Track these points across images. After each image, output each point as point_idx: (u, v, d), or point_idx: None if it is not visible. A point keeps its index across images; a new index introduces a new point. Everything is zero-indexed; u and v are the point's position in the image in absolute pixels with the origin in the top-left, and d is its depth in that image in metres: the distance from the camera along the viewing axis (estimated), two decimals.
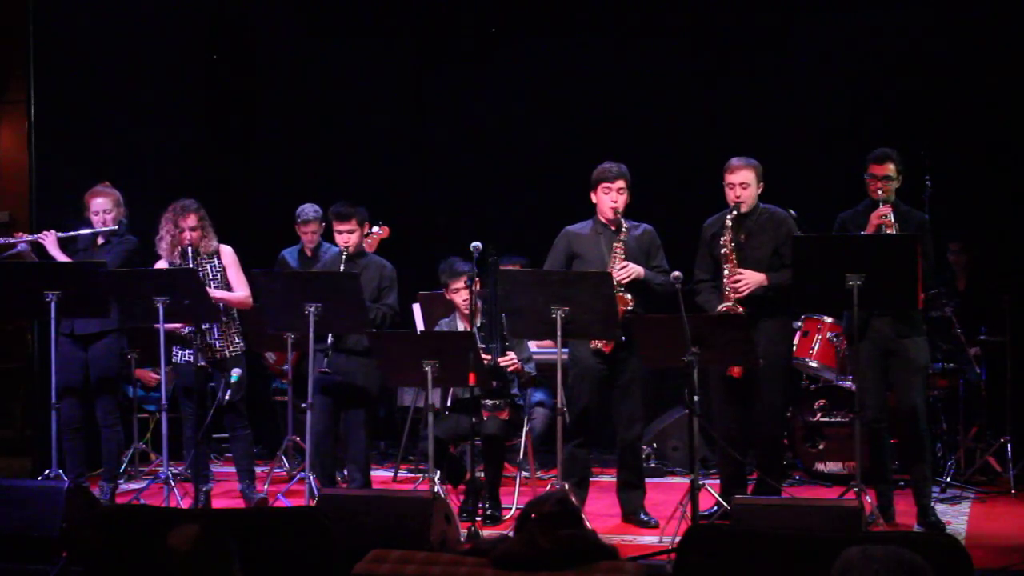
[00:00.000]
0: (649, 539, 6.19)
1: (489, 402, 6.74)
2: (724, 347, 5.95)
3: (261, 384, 8.82)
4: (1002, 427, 7.58)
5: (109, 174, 7.32)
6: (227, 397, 6.64)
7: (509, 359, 6.79)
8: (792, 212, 6.69)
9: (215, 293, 6.81)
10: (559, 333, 6.03)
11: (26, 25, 8.35)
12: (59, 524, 5.53)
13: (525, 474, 7.23)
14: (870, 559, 2.80)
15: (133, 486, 7.59)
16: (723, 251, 6.45)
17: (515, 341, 6.90)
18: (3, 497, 5.69)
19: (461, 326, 7.03)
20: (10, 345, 8.80)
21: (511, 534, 3.64)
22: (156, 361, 6.80)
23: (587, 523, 4.62)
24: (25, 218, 8.43)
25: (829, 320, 7.76)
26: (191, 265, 6.81)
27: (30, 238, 7.14)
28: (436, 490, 6.23)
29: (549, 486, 7.00)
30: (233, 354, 6.91)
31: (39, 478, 6.96)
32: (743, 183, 6.44)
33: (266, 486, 7.59)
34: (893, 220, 6.25)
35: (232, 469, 7.56)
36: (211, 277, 6.91)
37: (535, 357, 7.19)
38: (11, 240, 7.20)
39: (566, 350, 6.56)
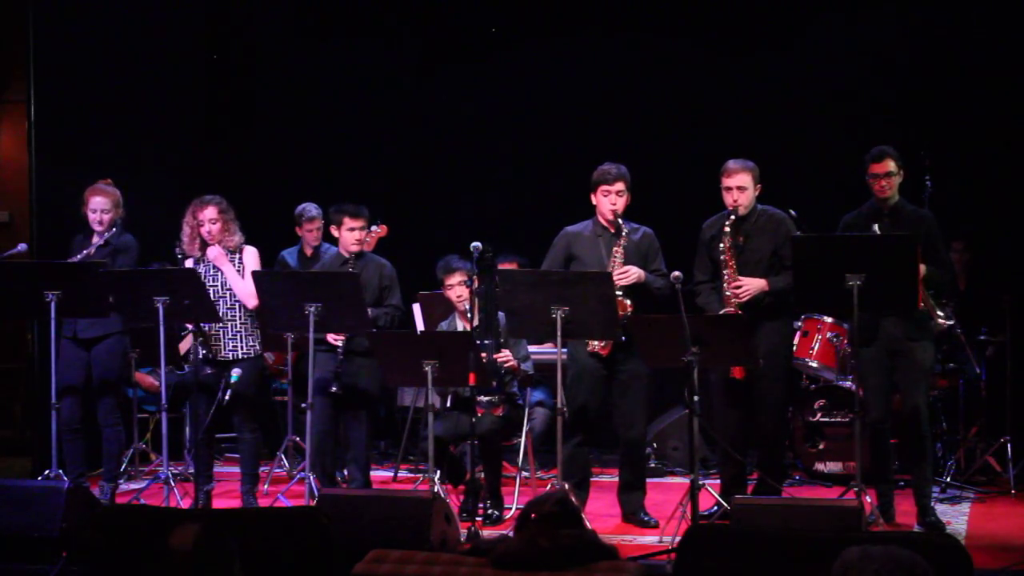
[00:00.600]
0: (649, 539, 6.19)
1: (484, 398, 6.73)
2: (724, 347, 5.95)
3: (262, 382, 8.81)
4: (1002, 427, 7.58)
5: (109, 174, 7.31)
6: (226, 397, 6.63)
7: (504, 356, 6.78)
8: (792, 212, 6.68)
9: (236, 283, 6.77)
10: (559, 333, 6.03)
11: (26, 25, 8.35)
12: (59, 524, 5.53)
13: (525, 474, 7.23)
14: (870, 559, 2.80)
15: (133, 486, 7.58)
16: (722, 256, 6.44)
17: (511, 340, 6.89)
18: (3, 497, 5.69)
19: (460, 325, 7.03)
20: (10, 345, 8.81)
21: (511, 534, 3.64)
22: (156, 361, 6.79)
23: (587, 523, 4.62)
24: (25, 218, 8.44)
25: (829, 320, 7.76)
26: (209, 259, 6.81)
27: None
28: (436, 490, 6.23)
29: (549, 486, 7.00)
30: (245, 356, 6.87)
31: (39, 478, 6.96)
32: (740, 186, 6.43)
33: (266, 486, 7.60)
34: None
35: (232, 469, 7.57)
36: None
37: (534, 357, 7.18)
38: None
39: (566, 350, 6.56)
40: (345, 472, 7.23)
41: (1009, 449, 7.49)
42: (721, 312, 6.37)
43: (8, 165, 8.81)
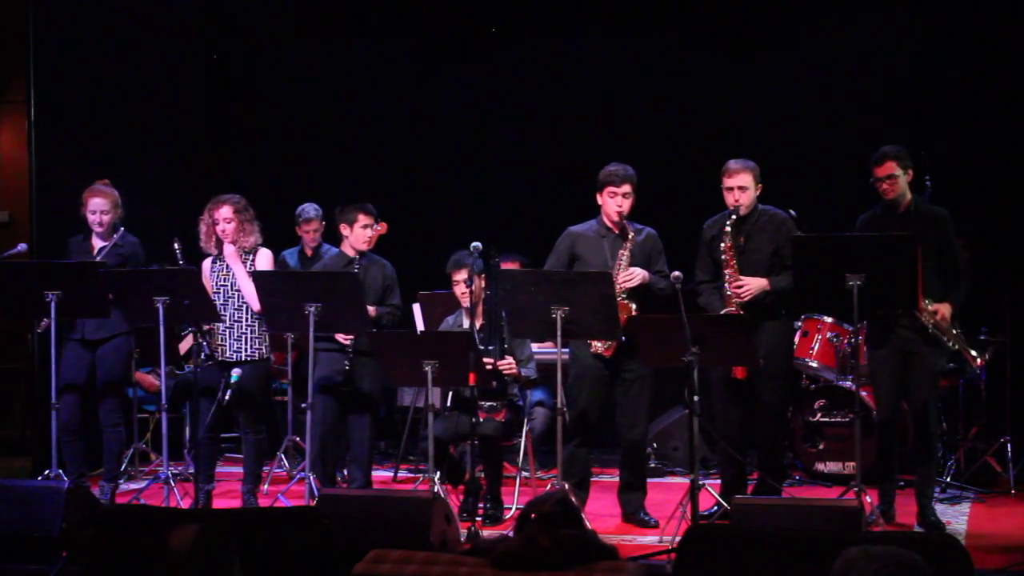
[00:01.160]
0: (649, 539, 6.19)
1: (486, 404, 6.74)
2: (724, 348, 5.96)
3: (268, 384, 8.81)
4: (1002, 427, 7.58)
5: (109, 174, 7.31)
6: (226, 398, 6.63)
7: (507, 363, 6.78)
8: (792, 212, 6.68)
9: (244, 284, 6.76)
10: (559, 333, 6.03)
11: (26, 25, 8.35)
12: (59, 524, 5.53)
13: (525, 474, 7.23)
14: (870, 559, 2.80)
15: (133, 486, 7.58)
16: (723, 256, 6.44)
17: (515, 341, 6.89)
18: (3, 497, 5.69)
19: (467, 322, 7.02)
20: (10, 345, 8.81)
21: (511, 534, 3.63)
22: (156, 361, 6.79)
23: (587, 523, 4.62)
24: (25, 218, 8.44)
25: (829, 320, 7.76)
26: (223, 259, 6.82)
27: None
28: (436, 490, 6.24)
29: (549, 486, 7.00)
30: (249, 358, 6.85)
31: (39, 478, 6.96)
32: (741, 186, 6.43)
33: (266, 486, 7.60)
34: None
35: (232, 469, 7.57)
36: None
37: (537, 357, 7.18)
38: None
39: (566, 350, 6.56)
40: (345, 472, 7.23)
41: (1009, 449, 7.49)
42: (722, 312, 6.37)
43: (8, 165, 8.81)
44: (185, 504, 6.71)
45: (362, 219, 6.89)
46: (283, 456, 8.12)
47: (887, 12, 8.92)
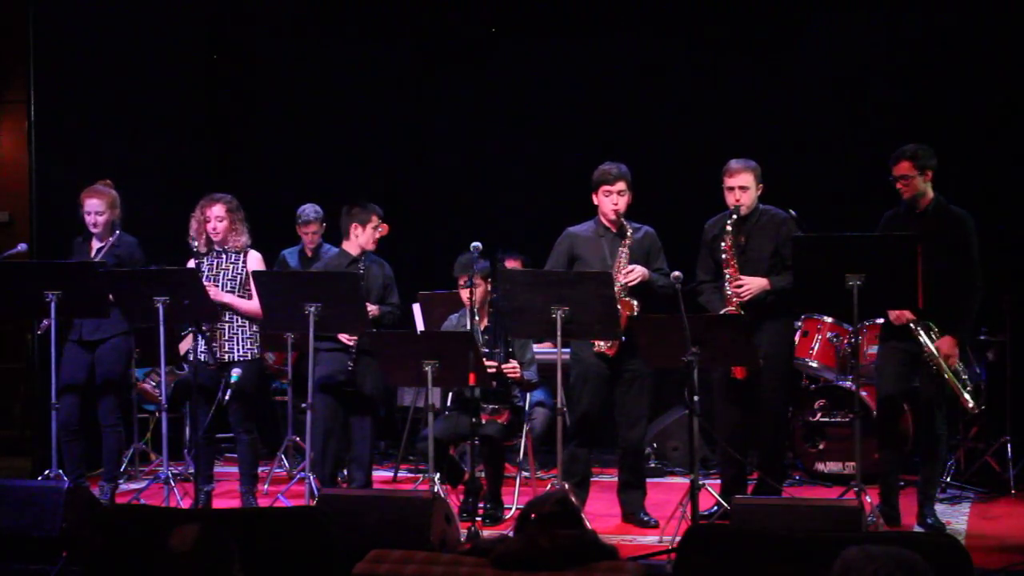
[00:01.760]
0: (649, 539, 6.19)
1: (488, 406, 6.75)
2: (724, 347, 5.96)
3: (261, 384, 8.81)
4: (1002, 427, 7.58)
5: (109, 174, 7.31)
6: (226, 398, 6.63)
7: (511, 367, 6.78)
8: (792, 212, 6.68)
9: (224, 296, 6.78)
10: (559, 333, 6.03)
11: (26, 25, 8.35)
12: (59, 524, 5.52)
13: (525, 474, 7.23)
14: (870, 559, 2.80)
15: (133, 486, 7.58)
16: (724, 256, 6.44)
17: (518, 343, 6.89)
18: (3, 497, 5.69)
19: (469, 322, 7.01)
20: (10, 345, 8.80)
21: (511, 534, 3.64)
22: (155, 361, 6.79)
23: (587, 523, 4.62)
24: (25, 218, 8.44)
25: (829, 320, 7.76)
26: (213, 256, 6.82)
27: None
28: (436, 490, 6.23)
29: (549, 486, 7.00)
30: (241, 358, 6.86)
31: (39, 478, 6.96)
32: (742, 186, 6.43)
33: (266, 486, 7.60)
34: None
35: (232, 469, 7.56)
36: (230, 276, 6.86)
37: (537, 357, 7.18)
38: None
39: (567, 350, 6.56)
40: (345, 472, 7.23)
41: (1009, 449, 7.49)
42: (723, 311, 6.37)
43: (8, 165, 8.80)
44: (185, 504, 6.70)
45: (375, 220, 6.92)
46: (283, 456, 8.12)
47: (887, 12, 8.91)
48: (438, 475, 6.59)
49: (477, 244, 6.45)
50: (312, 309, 6.39)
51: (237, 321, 6.85)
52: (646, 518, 6.54)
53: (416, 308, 8.25)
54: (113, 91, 8.86)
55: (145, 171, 8.85)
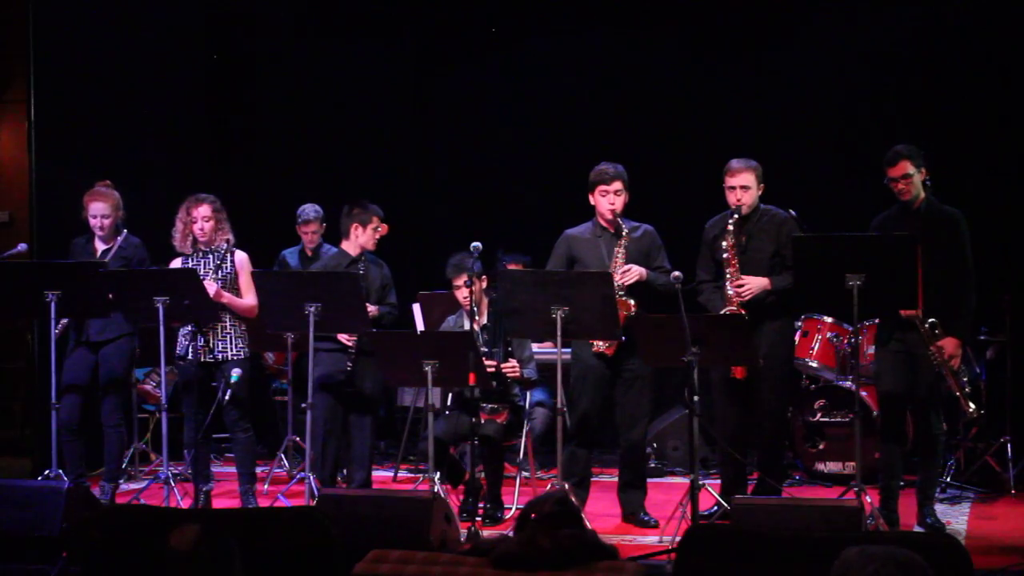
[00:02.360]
0: (649, 539, 6.19)
1: (487, 406, 6.75)
2: (724, 347, 5.95)
3: (261, 384, 8.82)
4: (1002, 427, 7.58)
5: (109, 174, 7.31)
6: (227, 397, 6.63)
7: (511, 366, 6.78)
8: (792, 212, 6.68)
9: (225, 296, 6.78)
10: (559, 333, 6.03)
11: (26, 25, 8.35)
12: (59, 524, 5.53)
13: (525, 474, 7.23)
14: (869, 559, 2.80)
15: (133, 486, 7.59)
16: (724, 256, 6.44)
17: (516, 341, 6.89)
18: (3, 497, 5.69)
19: (467, 323, 7.01)
20: (10, 345, 8.80)
21: (511, 534, 3.63)
22: (155, 361, 6.79)
23: (587, 523, 4.62)
24: (25, 218, 8.44)
25: (829, 320, 7.76)
26: (199, 256, 6.83)
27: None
28: (436, 490, 6.23)
29: (549, 486, 7.00)
30: (234, 357, 6.87)
31: (39, 478, 6.96)
32: (743, 185, 6.43)
33: (266, 486, 7.60)
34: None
35: (231, 469, 7.56)
36: (219, 277, 6.88)
37: (537, 357, 7.18)
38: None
39: (567, 350, 6.56)
40: (344, 471, 7.23)
41: (1009, 449, 7.49)
42: (724, 311, 6.37)
43: (8, 165, 8.79)
44: (185, 504, 6.71)
45: (376, 221, 6.92)
46: (283, 456, 8.13)
47: (887, 12, 8.91)
48: (438, 475, 6.59)
49: (477, 244, 6.45)
50: (312, 309, 6.40)
51: (229, 320, 6.86)
52: (646, 518, 6.54)
53: (416, 308, 8.25)
54: (113, 91, 8.86)
55: (145, 171, 8.85)
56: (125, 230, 7.14)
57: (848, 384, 7.65)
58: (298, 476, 7.04)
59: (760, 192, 6.52)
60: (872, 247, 5.96)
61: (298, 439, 7.89)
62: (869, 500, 6.00)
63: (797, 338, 7.60)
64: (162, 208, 7.76)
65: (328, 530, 4.31)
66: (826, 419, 7.76)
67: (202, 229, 6.86)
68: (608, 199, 6.51)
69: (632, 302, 6.42)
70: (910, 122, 8.51)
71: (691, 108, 9.25)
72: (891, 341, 6.33)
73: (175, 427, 7.13)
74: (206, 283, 6.69)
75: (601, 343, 6.49)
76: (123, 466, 7.66)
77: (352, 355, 6.80)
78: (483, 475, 6.67)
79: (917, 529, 6.23)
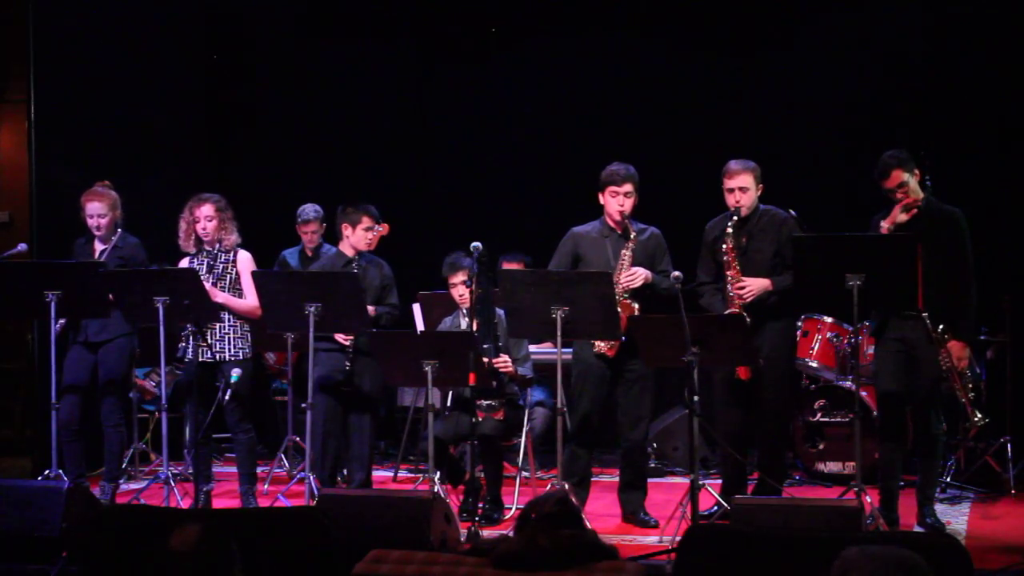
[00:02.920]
0: (649, 539, 6.20)
1: (484, 403, 6.74)
2: (724, 348, 5.95)
3: (261, 384, 8.82)
4: (1002, 427, 7.58)
5: (109, 175, 7.31)
6: (227, 397, 6.63)
7: (503, 361, 6.78)
8: (792, 212, 6.68)
9: (220, 296, 6.79)
10: (559, 333, 6.03)
11: (26, 25, 8.35)
12: (59, 524, 5.52)
13: (525, 474, 7.23)
14: (869, 559, 2.80)
15: (133, 486, 7.59)
16: (725, 257, 6.44)
17: (511, 340, 6.89)
18: (3, 497, 5.69)
19: (464, 323, 7.02)
20: (10, 345, 8.80)
21: (511, 534, 3.63)
22: (155, 361, 6.79)
23: (587, 523, 4.62)
24: (25, 218, 8.44)
25: (829, 320, 7.76)
26: (203, 256, 6.83)
27: None
28: (436, 490, 6.23)
29: (549, 486, 7.00)
30: (233, 358, 6.87)
31: (39, 478, 6.96)
32: (742, 187, 6.43)
33: (266, 486, 7.60)
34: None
35: (231, 469, 7.56)
36: (220, 276, 6.87)
37: (537, 357, 7.18)
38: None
39: (568, 350, 6.56)
40: (344, 471, 7.23)
41: (1009, 449, 7.49)
42: (725, 312, 6.37)
43: (8, 165, 8.79)
44: (185, 504, 6.71)
45: (366, 221, 6.91)
46: (283, 456, 8.13)
47: (887, 12, 8.91)
48: (438, 475, 6.59)
49: (477, 244, 6.44)
50: (312, 309, 6.40)
51: (229, 320, 6.86)
52: (646, 518, 6.54)
53: (416, 308, 8.25)
54: (113, 91, 8.86)
55: (145, 171, 8.85)
56: (120, 229, 7.13)
57: (848, 384, 7.65)
58: (298, 476, 7.04)
59: (759, 193, 6.52)
60: (872, 247, 5.96)
61: (298, 439, 7.89)
62: (869, 500, 6.00)
63: (797, 338, 7.59)
64: (162, 208, 7.77)
65: (328, 530, 4.31)
66: (826, 419, 7.76)
67: (205, 229, 6.85)
68: (618, 200, 6.51)
69: (636, 305, 6.43)
70: (910, 122, 8.51)
71: (691, 108, 9.24)
72: (890, 339, 6.31)
73: (175, 427, 7.13)
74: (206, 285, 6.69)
75: (602, 343, 6.49)
76: (123, 466, 7.66)
77: (350, 355, 6.80)
78: (483, 475, 6.67)
79: (917, 529, 6.23)
